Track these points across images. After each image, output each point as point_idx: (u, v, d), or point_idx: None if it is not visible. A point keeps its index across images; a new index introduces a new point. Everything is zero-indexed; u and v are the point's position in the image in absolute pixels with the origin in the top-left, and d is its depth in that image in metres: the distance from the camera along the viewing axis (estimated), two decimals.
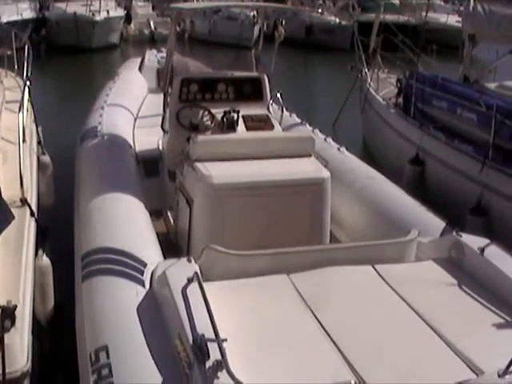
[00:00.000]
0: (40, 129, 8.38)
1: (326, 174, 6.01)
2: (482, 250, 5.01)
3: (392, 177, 7.26)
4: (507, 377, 3.65)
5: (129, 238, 5.33)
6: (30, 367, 3.99)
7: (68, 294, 5.29)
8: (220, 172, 5.77)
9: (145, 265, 4.92)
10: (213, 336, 3.66)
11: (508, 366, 3.67)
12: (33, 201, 6.03)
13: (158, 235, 5.74)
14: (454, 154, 9.21)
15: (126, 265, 4.89)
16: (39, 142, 8.01)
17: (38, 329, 4.98)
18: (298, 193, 5.89)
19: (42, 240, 5.59)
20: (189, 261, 4.72)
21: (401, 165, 9.99)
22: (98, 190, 6.28)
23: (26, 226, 5.43)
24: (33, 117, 8.39)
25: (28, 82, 8.19)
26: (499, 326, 4.41)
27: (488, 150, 8.41)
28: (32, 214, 5.71)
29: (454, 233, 5.37)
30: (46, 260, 5.31)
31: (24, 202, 5.74)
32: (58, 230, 6.92)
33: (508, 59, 10.95)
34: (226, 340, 3.62)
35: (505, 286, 4.71)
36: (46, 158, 7.81)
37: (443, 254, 5.32)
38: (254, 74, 7.97)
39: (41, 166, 7.50)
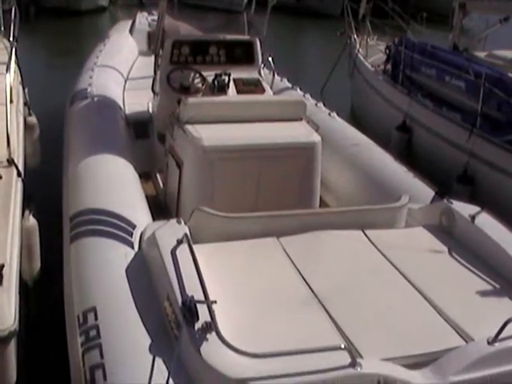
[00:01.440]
0: (26, 90, 8.24)
1: (316, 138, 5.91)
2: (473, 217, 4.95)
3: (379, 143, 7.17)
4: (496, 344, 3.63)
5: (118, 200, 5.22)
6: (18, 326, 3.89)
7: (55, 255, 5.20)
8: (210, 134, 5.65)
9: (134, 226, 4.83)
10: (202, 298, 3.59)
11: (498, 334, 3.65)
12: (20, 161, 5.91)
13: (147, 197, 5.64)
14: (442, 122, 9.12)
15: (115, 226, 4.79)
16: (26, 103, 7.86)
17: (25, 289, 4.88)
18: (289, 156, 5.80)
19: (29, 201, 5.47)
20: (178, 222, 4.62)
21: (388, 131, 9.89)
22: (87, 151, 6.15)
23: (12, 187, 5.31)
24: (20, 78, 8.25)
25: (15, 44, 8.03)
26: (489, 294, 4.36)
27: (476, 119, 8.31)
28: (19, 174, 5.58)
29: (445, 200, 5.31)
30: (32, 221, 5.19)
31: (11, 162, 5.61)
32: (44, 191, 6.79)
33: (498, 29, 10.83)
34: (215, 302, 3.55)
35: (495, 254, 4.66)
36: (33, 119, 7.67)
37: (434, 221, 5.26)
38: (246, 37, 7.82)
39: (27, 127, 7.36)
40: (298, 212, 5.17)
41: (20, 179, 5.57)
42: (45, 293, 5.46)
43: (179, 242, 4.18)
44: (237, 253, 4.64)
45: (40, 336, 5.44)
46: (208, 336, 3.40)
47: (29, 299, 5.04)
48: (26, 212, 5.21)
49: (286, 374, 3.29)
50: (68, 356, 4.14)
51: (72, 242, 4.85)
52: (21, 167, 5.80)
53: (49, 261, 5.37)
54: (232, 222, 4.88)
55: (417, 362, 3.64)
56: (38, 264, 5.21)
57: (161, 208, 6.21)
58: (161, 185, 6.81)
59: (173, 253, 4.09)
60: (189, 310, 3.47)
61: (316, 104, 8.21)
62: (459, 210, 5.12)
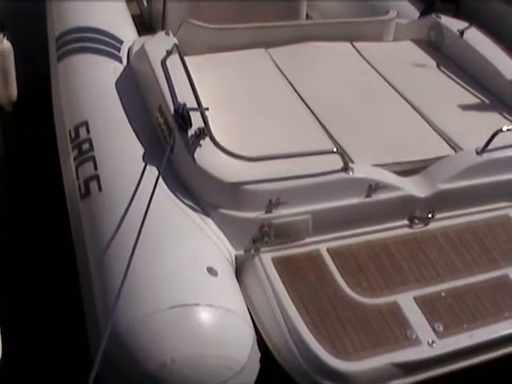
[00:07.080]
0: None
1: None
2: (462, 32, 4.81)
3: None
4: (485, 154, 3.62)
5: (104, 18, 4.95)
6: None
7: (33, 79, 5.06)
8: None
9: (121, 42, 4.62)
10: (195, 105, 3.45)
11: (486, 145, 3.62)
12: None
13: (133, 17, 5.36)
14: None
15: (103, 42, 4.57)
16: None
17: (2, 115, 4.71)
18: None
19: (2, 26, 5.18)
20: (167, 34, 4.42)
21: None
22: None
23: None
24: None
25: None
26: (477, 108, 4.30)
27: None
28: None
29: (434, 15, 5.12)
30: (6, 43, 4.91)
31: None
32: (17, 16, 6.46)
33: None
34: (208, 109, 3.42)
35: (484, 69, 4.55)
36: None
37: (422, 36, 5.13)
38: None
39: None
40: (286, 23, 5.00)
41: None
42: (25, 117, 5.30)
43: (169, 53, 4.00)
44: (227, 63, 4.51)
45: (23, 161, 5.34)
46: (201, 142, 3.29)
47: (7, 124, 4.88)
48: (0, 36, 4.94)
49: (279, 177, 3.23)
50: (61, 175, 4.02)
51: (59, 60, 4.62)
52: None
53: (25, 85, 5.17)
54: (221, 33, 4.72)
55: (407, 169, 3.62)
56: (14, 88, 5.00)
57: (146, 27, 5.94)
58: (145, 4, 6.51)
59: (163, 63, 3.90)
60: (181, 116, 3.33)
61: None
62: (448, 24, 4.98)
